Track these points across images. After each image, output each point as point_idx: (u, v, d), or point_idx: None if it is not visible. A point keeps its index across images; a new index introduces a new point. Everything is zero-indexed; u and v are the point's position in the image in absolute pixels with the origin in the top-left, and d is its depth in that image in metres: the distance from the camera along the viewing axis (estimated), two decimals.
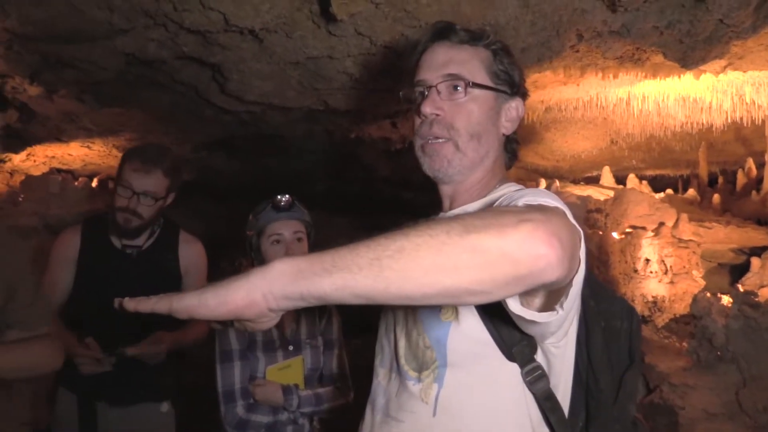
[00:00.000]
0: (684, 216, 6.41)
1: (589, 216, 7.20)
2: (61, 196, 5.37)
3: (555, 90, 5.58)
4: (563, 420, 1.16)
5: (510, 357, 1.14)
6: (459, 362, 1.16)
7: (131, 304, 0.87)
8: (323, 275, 0.81)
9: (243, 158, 7.14)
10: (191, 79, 4.30)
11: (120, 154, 6.89)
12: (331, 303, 0.83)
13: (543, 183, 8.49)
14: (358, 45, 3.53)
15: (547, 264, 0.81)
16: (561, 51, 3.83)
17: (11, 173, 7.35)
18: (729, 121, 6.20)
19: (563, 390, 1.17)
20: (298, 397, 2.09)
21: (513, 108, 1.29)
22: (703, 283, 5.94)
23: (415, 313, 1.23)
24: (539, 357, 1.15)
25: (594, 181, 10.05)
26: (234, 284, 0.84)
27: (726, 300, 3.97)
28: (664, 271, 5.99)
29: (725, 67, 4.35)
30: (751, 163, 9.07)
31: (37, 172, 6.89)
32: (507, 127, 1.30)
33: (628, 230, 6.46)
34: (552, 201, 0.99)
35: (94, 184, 7.13)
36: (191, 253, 2.52)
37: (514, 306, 0.96)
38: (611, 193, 7.67)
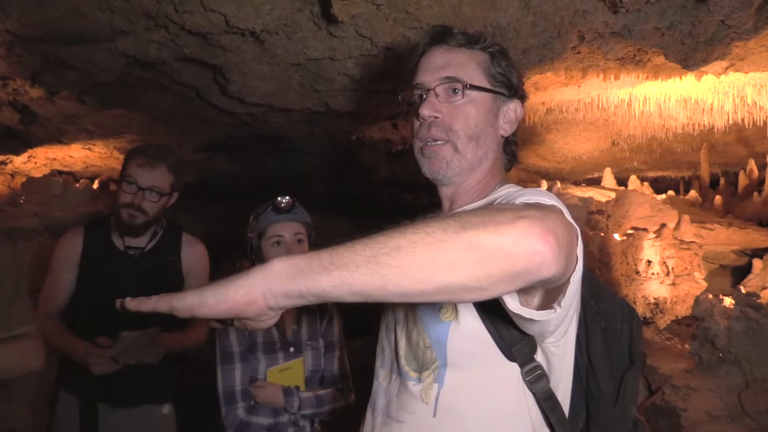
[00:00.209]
0: (686, 217, 6.41)
1: (591, 217, 7.20)
2: (62, 197, 5.37)
3: (556, 91, 5.58)
4: (564, 420, 1.17)
5: (510, 357, 1.14)
6: (459, 362, 1.17)
7: (132, 303, 0.88)
8: (322, 273, 0.81)
9: (244, 160, 7.14)
10: (192, 80, 4.30)
11: (121, 156, 6.94)
12: (330, 301, 0.84)
13: (544, 184, 8.49)
14: (359, 46, 3.53)
15: (543, 260, 0.82)
16: (562, 52, 3.83)
17: (12, 175, 7.35)
18: (730, 122, 6.18)
19: (563, 390, 1.18)
20: (299, 398, 2.08)
21: (511, 110, 1.30)
22: (705, 284, 5.94)
23: (415, 313, 1.24)
24: (539, 357, 1.16)
25: (595, 182, 10.04)
26: (234, 283, 0.85)
27: (728, 302, 3.96)
28: (665, 272, 5.98)
29: (727, 69, 4.34)
30: (752, 164, 9.07)
31: (38, 174, 6.89)
32: (505, 129, 1.31)
33: (629, 232, 6.45)
34: (549, 200, 1.00)
35: (95, 185, 7.13)
36: (193, 254, 2.52)
37: (513, 305, 0.97)
38: (613, 195, 7.67)
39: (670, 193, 9.97)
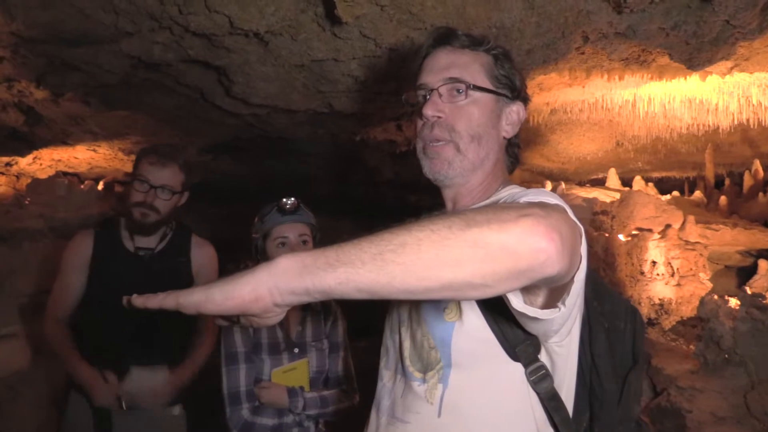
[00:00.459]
0: (691, 218, 6.39)
1: (595, 218, 7.18)
2: (67, 199, 5.38)
3: (560, 92, 5.57)
4: (567, 420, 1.17)
5: (514, 357, 1.15)
6: (463, 362, 1.17)
7: (139, 300, 0.89)
8: (327, 270, 0.82)
9: (248, 161, 7.15)
10: (196, 82, 4.30)
11: (126, 157, 6.97)
12: (336, 297, 0.84)
13: (548, 185, 8.48)
14: (363, 47, 3.53)
15: (547, 258, 0.82)
16: (566, 53, 3.82)
17: (17, 176, 7.38)
18: (735, 122, 6.17)
19: (567, 390, 1.18)
20: (303, 399, 2.09)
21: (514, 112, 1.31)
22: (710, 285, 5.92)
23: (420, 314, 1.24)
24: (543, 357, 1.16)
25: (600, 183, 10.02)
26: (240, 279, 0.85)
27: (733, 302, 3.95)
28: (670, 273, 5.97)
29: (731, 69, 4.33)
30: (757, 164, 9.04)
31: (43, 176, 6.91)
32: (508, 130, 1.32)
33: (634, 232, 6.44)
34: (553, 199, 1.01)
35: (100, 187, 7.15)
36: (203, 255, 2.54)
37: (517, 303, 0.97)
38: (617, 196, 7.65)
39: (675, 193, 9.94)
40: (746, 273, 7.04)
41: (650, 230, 6.29)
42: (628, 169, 9.98)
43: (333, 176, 8.26)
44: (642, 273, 6.05)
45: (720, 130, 6.68)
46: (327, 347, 2.27)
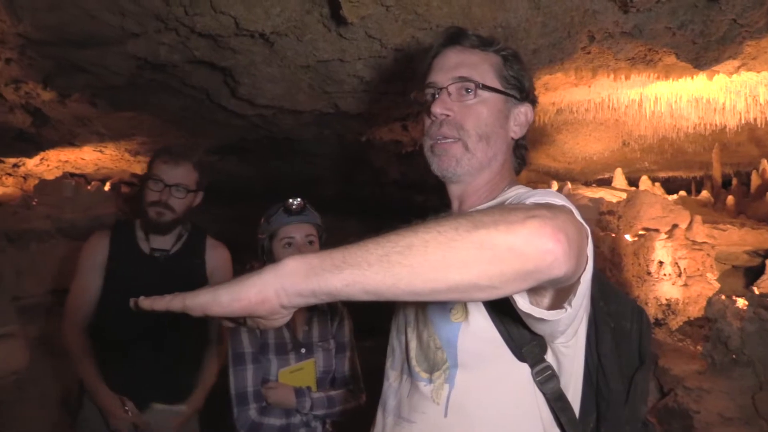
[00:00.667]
0: (698, 218, 6.36)
1: (602, 218, 7.16)
2: (74, 200, 5.39)
3: (566, 92, 5.56)
4: (574, 420, 1.17)
5: (520, 357, 1.15)
6: (470, 363, 1.17)
7: (146, 302, 0.89)
8: (334, 272, 0.81)
9: (254, 162, 7.16)
10: (202, 83, 4.31)
11: (132, 158, 6.99)
12: (342, 299, 0.84)
13: (555, 185, 8.46)
14: (369, 48, 3.53)
15: (554, 259, 0.82)
16: (572, 52, 3.82)
17: (25, 177, 7.42)
18: (743, 122, 6.14)
19: (574, 390, 1.18)
20: (310, 399, 2.09)
21: (522, 113, 1.31)
22: (717, 285, 5.88)
23: (426, 314, 1.24)
24: (549, 357, 1.16)
25: (606, 183, 9.99)
26: (247, 281, 0.85)
27: (741, 303, 3.92)
28: (677, 273, 5.94)
29: (739, 68, 4.31)
30: (765, 164, 8.98)
31: (50, 177, 6.94)
32: (516, 131, 1.32)
33: (641, 232, 6.41)
34: (559, 200, 1.00)
35: (107, 188, 7.17)
36: (217, 257, 2.55)
37: (523, 304, 0.97)
38: (624, 195, 7.61)
39: (682, 193, 9.90)
40: (754, 273, 7.00)
41: (657, 230, 6.27)
42: (634, 168, 9.95)
43: (339, 177, 8.27)
44: (649, 273, 6.02)
45: (727, 130, 6.65)
46: (334, 347, 2.27)
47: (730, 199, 9.04)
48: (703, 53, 3.71)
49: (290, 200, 2.14)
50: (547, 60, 3.85)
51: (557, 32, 3.49)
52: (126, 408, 2.26)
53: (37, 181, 6.46)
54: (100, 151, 6.81)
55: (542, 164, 9.78)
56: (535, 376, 1.15)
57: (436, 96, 1.27)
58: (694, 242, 6.03)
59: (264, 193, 4.64)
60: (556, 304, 1.01)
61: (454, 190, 1.32)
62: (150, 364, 2.32)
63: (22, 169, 7.22)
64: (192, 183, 2.38)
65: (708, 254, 6.04)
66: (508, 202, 1.16)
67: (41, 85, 4.32)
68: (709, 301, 4.06)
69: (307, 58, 3.72)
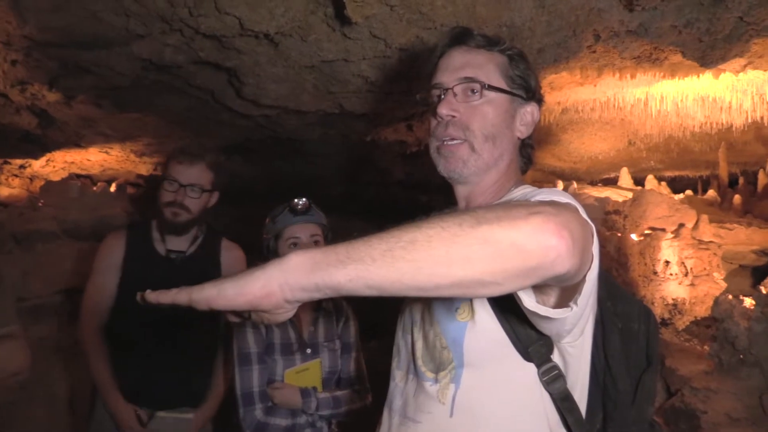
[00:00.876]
0: (704, 217, 6.33)
1: (608, 218, 7.13)
2: (80, 201, 5.41)
3: (572, 91, 5.54)
4: (580, 421, 1.17)
5: (526, 357, 1.15)
6: (476, 362, 1.17)
7: (152, 296, 0.89)
8: (338, 266, 0.82)
9: (259, 162, 7.16)
10: (207, 83, 4.32)
11: (137, 159, 7.01)
12: (346, 294, 0.84)
13: (560, 185, 8.43)
14: (373, 48, 3.53)
15: (557, 255, 0.82)
16: (577, 51, 3.81)
17: (31, 179, 7.44)
18: (749, 120, 6.10)
19: (580, 391, 1.18)
20: (316, 399, 2.09)
21: (528, 112, 1.31)
22: (724, 285, 5.86)
23: (432, 314, 1.24)
24: (556, 357, 1.16)
25: (612, 182, 9.96)
26: (252, 275, 0.86)
27: (748, 302, 3.91)
28: (684, 273, 5.91)
29: (745, 66, 4.28)
30: None
31: (56, 178, 6.96)
32: (522, 131, 1.32)
33: (647, 232, 6.39)
34: (564, 198, 1.01)
35: (112, 188, 7.19)
36: (232, 259, 2.55)
37: (529, 302, 0.97)
38: (630, 195, 7.59)
39: (688, 192, 9.87)
40: (761, 272, 6.97)
41: (663, 230, 6.24)
42: (640, 168, 9.92)
43: (344, 177, 8.26)
44: (655, 273, 6.00)
45: (733, 129, 6.62)
46: (339, 347, 2.27)
47: (737, 198, 9.00)
48: (709, 51, 3.69)
49: (295, 200, 2.14)
50: (552, 59, 3.84)
51: (562, 31, 3.48)
52: (137, 418, 2.28)
53: (43, 183, 6.48)
54: (106, 153, 6.83)
55: (548, 164, 9.76)
56: (541, 375, 1.15)
57: (442, 97, 1.27)
58: (700, 242, 6.01)
59: (268, 194, 4.65)
60: (562, 303, 1.01)
61: (461, 191, 1.32)
62: (162, 365, 2.33)
63: (28, 171, 7.25)
64: (207, 183, 2.39)
65: (715, 254, 6.01)
66: (514, 200, 1.16)
67: (47, 87, 4.33)
68: (716, 301, 4.05)
69: (311, 58, 3.72)
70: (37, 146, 5.80)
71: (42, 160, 6.84)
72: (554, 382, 1.14)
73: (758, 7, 3.14)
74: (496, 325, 1.14)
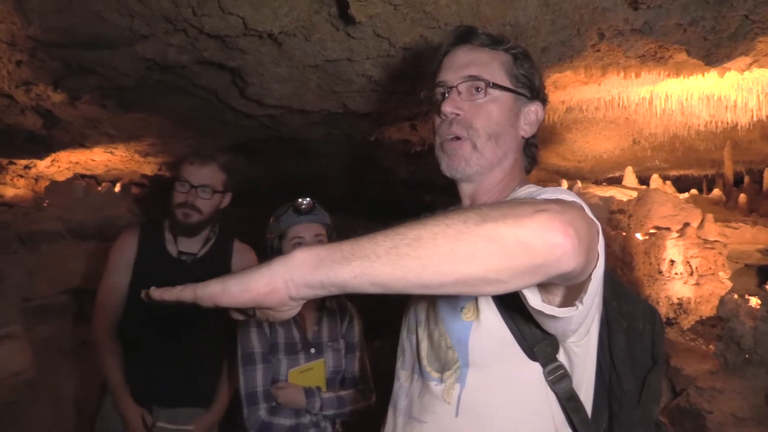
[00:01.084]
0: (709, 216, 6.31)
1: (612, 217, 7.12)
2: (85, 201, 5.42)
3: (576, 90, 5.53)
4: (586, 420, 1.16)
5: (532, 356, 1.14)
6: (481, 362, 1.17)
7: (157, 293, 0.90)
8: (342, 263, 0.82)
9: (263, 162, 7.17)
10: (211, 83, 4.32)
11: (142, 159, 7.02)
12: (351, 291, 0.84)
13: (565, 184, 8.42)
14: (377, 47, 3.52)
15: (563, 253, 0.82)
16: (582, 50, 3.79)
17: (36, 179, 7.46)
18: (755, 119, 6.09)
19: (586, 390, 1.18)
20: (320, 399, 2.09)
21: (532, 111, 1.31)
22: (729, 284, 5.84)
23: (437, 313, 1.24)
24: (561, 357, 1.16)
25: (616, 181, 9.94)
26: (256, 272, 0.86)
27: (754, 302, 3.89)
28: (689, 272, 5.89)
29: (750, 65, 4.27)
30: None
31: (61, 178, 6.98)
32: (526, 130, 1.31)
33: (652, 231, 6.37)
34: (570, 197, 1.00)
35: (117, 189, 7.20)
36: (244, 261, 2.54)
37: (534, 301, 0.97)
38: (634, 194, 7.57)
39: (693, 191, 9.84)
40: (766, 272, 6.95)
41: (668, 229, 6.22)
42: (645, 167, 9.89)
43: (348, 176, 8.27)
44: (660, 272, 5.98)
45: (739, 127, 6.60)
46: (343, 347, 2.27)
47: (742, 197, 8.97)
48: (714, 50, 3.67)
49: (299, 200, 2.14)
50: (556, 58, 3.83)
51: (567, 30, 3.47)
52: (145, 421, 2.28)
53: (48, 183, 6.50)
54: (111, 153, 6.84)
55: (552, 163, 9.74)
56: (546, 375, 1.14)
57: (446, 95, 1.27)
58: (705, 241, 5.99)
59: (272, 193, 4.65)
60: (568, 302, 1.00)
61: (465, 190, 1.32)
62: (169, 364, 2.34)
63: (33, 171, 7.27)
64: (219, 184, 2.39)
65: (720, 253, 5.99)
66: (519, 198, 1.15)
67: (51, 87, 4.34)
68: (722, 300, 4.03)
69: (315, 57, 3.72)
70: (42, 147, 5.81)
71: (47, 161, 6.85)
72: (560, 381, 1.14)
73: (764, 5, 3.12)
74: (501, 324, 1.14)
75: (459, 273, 0.81)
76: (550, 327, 1.07)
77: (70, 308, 4.35)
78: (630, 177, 9.44)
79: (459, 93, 1.25)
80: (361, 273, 0.81)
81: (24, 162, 6.95)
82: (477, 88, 1.25)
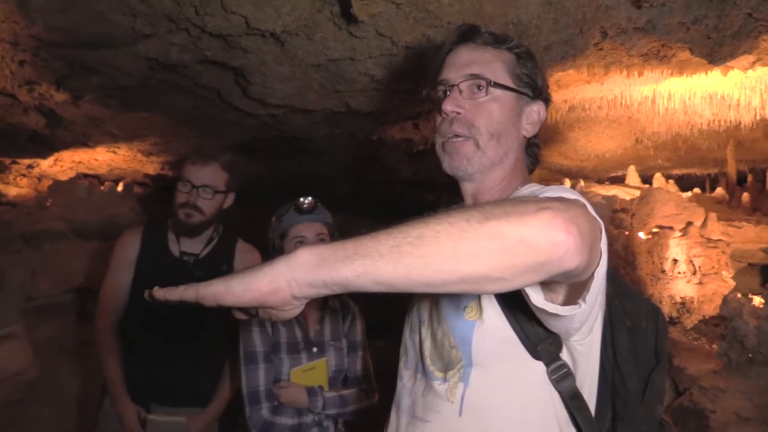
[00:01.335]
0: (712, 215, 6.31)
1: (615, 216, 7.11)
2: (88, 200, 5.43)
3: (578, 89, 5.52)
4: (590, 419, 1.16)
5: (535, 355, 1.14)
6: (484, 361, 1.16)
7: (160, 293, 0.90)
8: (345, 262, 0.81)
9: (265, 161, 7.17)
10: (214, 82, 4.32)
11: (145, 159, 7.03)
12: (354, 290, 0.84)
13: (567, 183, 8.42)
14: (380, 46, 3.52)
15: (566, 251, 0.81)
16: (585, 49, 3.79)
17: (39, 178, 7.48)
18: (758, 118, 6.08)
19: (589, 389, 1.17)
20: (322, 398, 2.08)
21: (534, 111, 1.30)
22: (733, 283, 5.84)
23: (440, 313, 1.24)
24: (565, 356, 1.15)
25: (619, 180, 9.94)
26: (259, 271, 0.86)
27: (757, 301, 3.89)
28: (692, 271, 5.89)
29: (754, 63, 4.26)
30: None
31: (64, 177, 6.99)
32: (528, 129, 1.31)
33: (655, 230, 6.37)
34: (572, 195, 1.00)
35: (120, 188, 7.22)
36: (247, 262, 2.52)
37: (537, 299, 0.96)
38: (637, 193, 7.57)
39: (696, 190, 9.84)
40: None
41: (671, 228, 6.22)
42: (647, 166, 9.88)
43: (350, 175, 8.27)
44: (663, 271, 5.98)
45: (742, 126, 6.59)
46: (346, 346, 2.27)
47: (746, 196, 8.96)
48: (717, 48, 3.66)
49: (301, 199, 2.13)
50: (558, 57, 3.82)
51: (569, 28, 3.46)
52: (140, 416, 2.29)
53: (51, 182, 6.51)
54: (113, 152, 6.85)
55: (554, 162, 9.73)
56: (550, 374, 1.14)
57: (448, 93, 1.26)
58: (708, 240, 5.98)
59: (275, 193, 4.65)
60: (570, 301, 1.00)
61: (467, 189, 1.31)
62: (170, 364, 2.34)
63: (36, 170, 7.28)
64: (221, 184, 2.38)
65: (723, 252, 5.99)
66: (522, 196, 1.15)
67: (54, 87, 4.35)
68: (725, 299, 4.03)
69: (317, 57, 3.72)
70: (45, 146, 5.82)
71: (50, 160, 6.87)
72: (563, 380, 1.14)
73: (767, 3, 3.11)
74: (505, 323, 1.14)
75: (462, 271, 0.81)
76: (553, 325, 1.07)
77: (73, 308, 4.36)
78: (633, 176, 9.44)
79: (460, 91, 1.25)
80: (363, 272, 0.81)
81: (27, 161, 6.96)
82: (479, 87, 1.24)
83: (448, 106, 1.25)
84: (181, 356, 2.35)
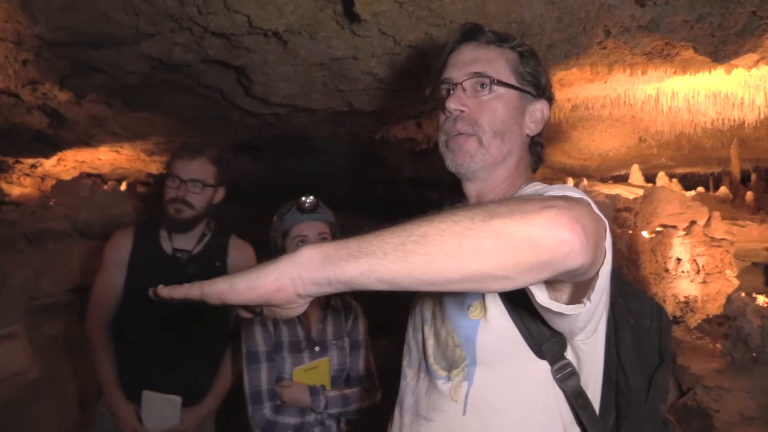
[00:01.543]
0: (716, 214, 6.29)
1: (619, 215, 7.10)
2: (91, 200, 5.44)
3: (582, 87, 5.51)
4: (594, 418, 1.16)
5: (540, 354, 1.14)
6: (488, 360, 1.16)
7: (165, 291, 0.89)
8: (349, 260, 0.81)
9: (268, 160, 7.18)
10: (216, 82, 4.33)
11: (147, 158, 7.05)
12: (358, 288, 0.83)
13: (570, 182, 8.39)
14: (382, 45, 3.52)
15: (570, 249, 0.81)
16: (588, 47, 3.78)
17: (42, 178, 7.50)
18: (762, 116, 6.06)
19: (593, 388, 1.17)
20: (325, 398, 2.08)
21: (538, 110, 1.30)
22: (736, 282, 5.82)
23: (444, 312, 1.24)
24: (569, 354, 1.15)
25: (623, 179, 9.93)
26: (264, 270, 0.85)
27: (761, 300, 3.88)
28: (696, 270, 5.88)
29: (758, 62, 4.24)
30: None
31: (67, 177, 7.01)
32: (531, 128, 1.31)
33: (658, 229, 6.35)
34: (576, 194, 1.00)
35: (123, 187, 7.23)
36: (240, 258, 2.52)
37: (542, 298, 0.96)
38: (641, 192, 7.56)
39: (700, 189, 9.82)
40: None
41: (675, 227, 6.21)
42: (651, 165, 9.87)
43: (353, 175, 8.27)
44: (666, 270, 5.96)
45: (746, 125, 6.58)
46: (348, 345, 2.26)
47: (749, 195, 8.94)
48: (721, 47, 3.66)
49: (303, 198, 2.13)
50: (562, 55, 3.81)
51: (572, 27, 3.46)
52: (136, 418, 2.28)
53: (54, 182, 6.53)
54: (116, 152, 6.87)
55: (557, 161, 9.72)
56: (554, 373, 1.14)
57: (451, 92, 1.26)
58: (712, 239, 5.97)
59: (277, 192, 4.65)
60: (575, 300, 1.00)
61: (470, 188, 1.31)
62: (167, 363, 2.33)
63: (39, 170, 7.31)
64: (209, 178, 2.37)
65: (727, 251, 5.97)
66: (526, 195, 1.15)
67: (57, 86, 4.36)
68: (729, 299, 4.01)
69: (320, 56, 3.72)
70: (48, 145, 5.85)
71: (53, 160, 6.89)
72: (568, 379, 1.14)
73: None
74: (509, 322, 1.14)
75: (466, 269, 0.80)
76: (558, 324, 1.07)
77: (76, 307, 4.36)
78: (636, 175, 9.43)
79: (464, 90, 1.25)
80: (368, 270, 0.80)
81: (30, 161, 6.99)
82: (482, 85, 1.24)
83: (451, 104, 1.24)
84: (176, 355, 2.33)
